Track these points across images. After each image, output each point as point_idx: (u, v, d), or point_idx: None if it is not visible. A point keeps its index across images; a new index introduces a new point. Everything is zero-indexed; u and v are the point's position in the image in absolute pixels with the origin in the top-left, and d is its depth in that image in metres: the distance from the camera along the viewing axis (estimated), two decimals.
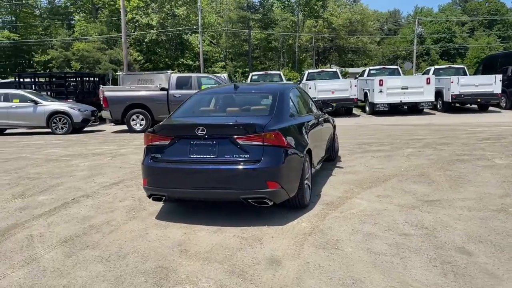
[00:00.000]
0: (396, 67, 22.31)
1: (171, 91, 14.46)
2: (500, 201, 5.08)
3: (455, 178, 6.21)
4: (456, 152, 8.23)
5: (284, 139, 4.54)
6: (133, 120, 14.56)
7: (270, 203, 4.49)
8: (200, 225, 4.58)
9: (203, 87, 13.61)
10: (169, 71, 16.21)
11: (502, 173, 6.42)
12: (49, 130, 14.81)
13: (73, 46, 38.89)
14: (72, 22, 48.25)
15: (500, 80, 17.06)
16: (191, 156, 4.54)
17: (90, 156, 9.46)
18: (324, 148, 6.85)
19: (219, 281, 3.34)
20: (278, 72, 23.03)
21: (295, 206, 4.91)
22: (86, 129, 15.86)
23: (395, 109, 18.01)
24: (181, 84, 14.64)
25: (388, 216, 4.66)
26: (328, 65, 47.60)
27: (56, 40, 40.19)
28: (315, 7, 45.14)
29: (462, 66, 23.32)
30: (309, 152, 5.25)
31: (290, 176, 4.62)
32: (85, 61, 38.13)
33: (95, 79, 22.24)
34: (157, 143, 4.72)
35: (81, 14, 47.00)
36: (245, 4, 44.14)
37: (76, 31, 43.48)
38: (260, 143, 4.40)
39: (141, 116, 14.52)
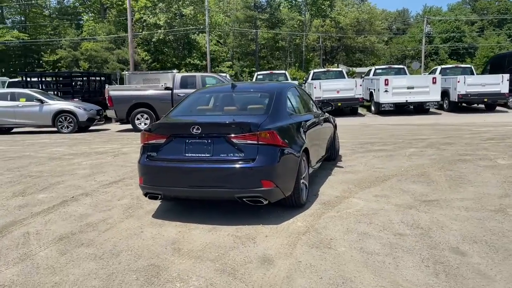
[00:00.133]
0: (402, 66, 22.18)
1: (175, 91, 14.51)
2: (499, 201, 5.03)
3: (455, 178, 6.16)
4: (458, 152, 8.16)
5: (279, 138, 4.54)
6: (137, 119, 14.63)
7: (265, 202, 4.49)
8: (195, 224, 4.58)
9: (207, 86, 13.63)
10: (175, 71, 16.27)
11: (504, 174, 6.35)
12: (55, 129, 14.93)
13: (82, 46, 39.20)
14: (81, 22, 48.67)
15: (508, 80, 16.89)
16: (186, 154, 4.55)
17: (93, 154, 9.53)
18: (324, 147, 6.83)
19: (209, 279, 3.34)
20: (283, 71, 23.00)
21: (291, 205, 4.90)
22: (91, 128, 15.96)
23: (400, 109, 17.92)
24: (185, 83, 14.68)
25: (384, 216, 4.63)
26: (336, 64, 47.44)
27: (65, 40, 40.55)
28: (322, 6, 45.04)
29: (469, 65, 23.13)
30: (306, 151, 5.23)
31: (286, 175, 4.61)
32: (93, 60, 38.42)
33: (101, 78, 22.39)
34: (153, 141, 4.74)
35: (90, 14, 47.40)
36: (252, 4, 44.09)
37: (85, 31, 43.84)
38: (255, 142, 4.40)
39: (145, 115, 14.59)
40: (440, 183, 5.94)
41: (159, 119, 14.08)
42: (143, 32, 39.54)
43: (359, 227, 4.32)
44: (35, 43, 41.32)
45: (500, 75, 17.10)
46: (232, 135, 4.42)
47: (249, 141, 4.40)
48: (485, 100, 17.22)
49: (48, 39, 42.50)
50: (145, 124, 14.51)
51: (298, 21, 45.77)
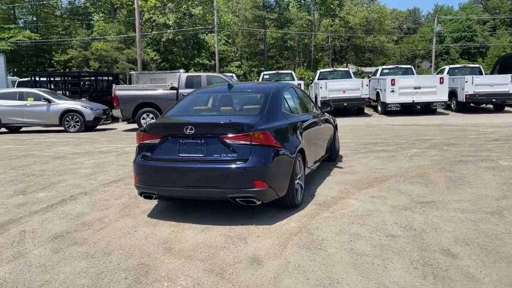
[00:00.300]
0: (409, 66, 21.98)
1: (180, 90, 14.56)
2: (496, 203, 4.98)
3: (454, 180, 6.10)
4: (461, 153, 8.08)
5: (272, 138, 4.54)
6: (143, 118, 14.72)
7: (258, 202, 4.49)
8: (189, 223, 4.61)
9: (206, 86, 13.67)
10: (181, 70, 16.35)
11: (504, 175, 6.28)
12: (62, 128, 15.09)
13: (92, 45, 39.59)
14: (91, 22, 49.13)
15: None
16: (180, 155, 4.57)
17: (96, 154, 9.61)
18: (324, 148, 6.82)
19: (197, 279, 3.36)
20: (289, 71, 22.96)
21: (286, 205, 4.90)
22: (98, 127, 16.10)
23: (407, 109, 17.77)
24: (191, 83, 14.73)
25: (378, 217, 4.61)
26: (345, 64, 47.26)
27: (76, 40, 40.97)
28: (331, 6, 44.90)
29: (477, 65, 22.85)
30: (302, 152, 5.22)
31: (279, 176, 4.61)
32: (103, 60, 38.81)
33: (109, 78, 22.58)
34: (148, 141, 4.77)
35: (100, 14, 47.83)
36: (261, 4, 44.11)
37: (95, 31, 44.24)
38: (248, 143, 4.41)
39: (151, 115, 14.67)
40: (438, 184, 5.90)
41: None
42: (153, 32, 39.82)
43: (352, 228, 4.31)
44: (47, 43, 41.81)
45: (509, 75, 16.84)
46: (225, 136, 4.44)
47: (242, 142, 4.41)
48: (494, 100, 17.01)
49: (59, 39, 42.98)
50: None
51: (307, 21, 45.68)
